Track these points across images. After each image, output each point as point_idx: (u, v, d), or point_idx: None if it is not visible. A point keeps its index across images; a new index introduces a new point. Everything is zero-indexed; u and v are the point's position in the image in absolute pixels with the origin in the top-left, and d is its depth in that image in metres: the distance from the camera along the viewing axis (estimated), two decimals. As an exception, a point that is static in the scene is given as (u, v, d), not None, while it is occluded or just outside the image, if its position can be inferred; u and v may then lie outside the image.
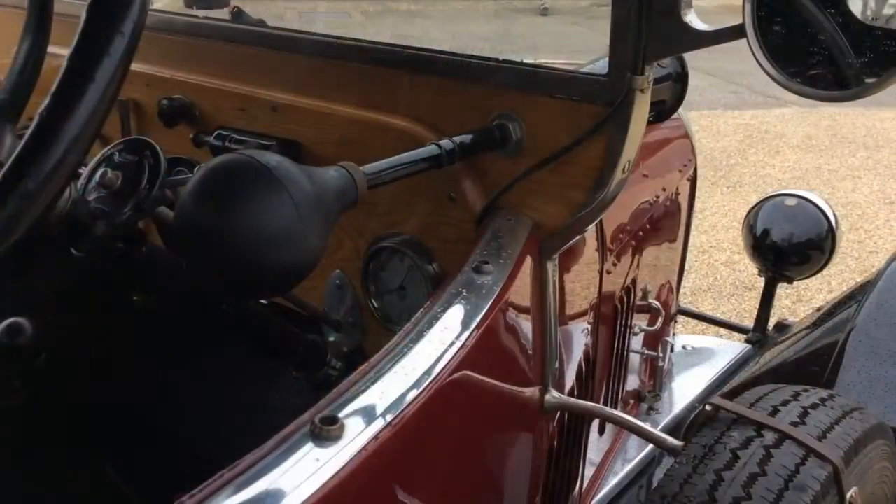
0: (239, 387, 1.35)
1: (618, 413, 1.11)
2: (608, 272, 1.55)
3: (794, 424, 0.98)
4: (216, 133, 1.22)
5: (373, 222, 1.16)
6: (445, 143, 0.97)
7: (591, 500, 1.72)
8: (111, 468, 1.37)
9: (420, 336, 0.79)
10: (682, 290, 4.58)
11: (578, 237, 1.38)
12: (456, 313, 0.84)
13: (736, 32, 0.83)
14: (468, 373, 0.83)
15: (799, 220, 2.37)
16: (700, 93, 7.77)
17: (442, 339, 0.79)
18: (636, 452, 1.87)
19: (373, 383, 0.71)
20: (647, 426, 1.07)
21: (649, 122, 1.36)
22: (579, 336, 1.42)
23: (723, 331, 2.88)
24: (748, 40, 0.81)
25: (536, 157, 1.02)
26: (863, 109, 7.45)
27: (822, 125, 6.92)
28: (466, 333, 0.82)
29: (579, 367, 1.41)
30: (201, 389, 1.26)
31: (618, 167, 0.97)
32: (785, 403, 1.03)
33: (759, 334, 2.41)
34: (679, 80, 1.25)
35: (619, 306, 1.67)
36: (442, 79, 1.08)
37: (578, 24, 10.99)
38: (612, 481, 1.81)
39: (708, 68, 8.70)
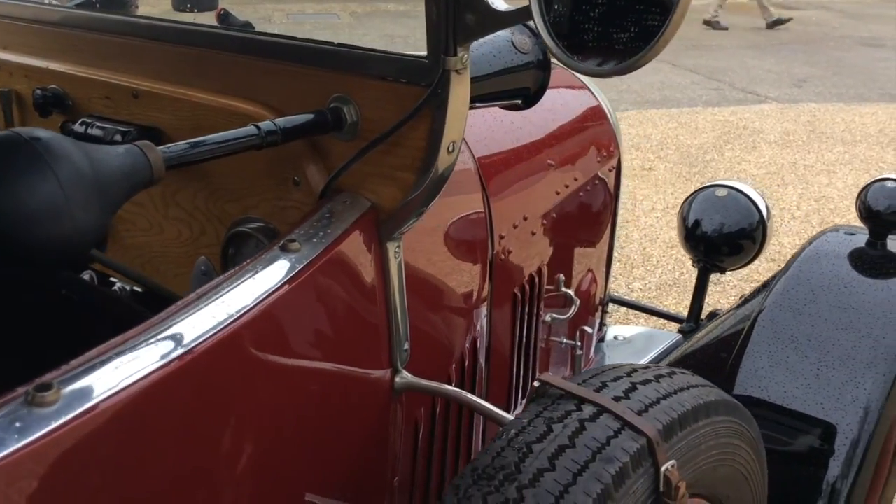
0: None
1: (457, 391, 1.12)
2: (501, 259, 1.57)
3: (617, 399, 0.99)
4: (80, 120, 1.24)
5: (230, 207, 1.18)
6: (266, 124, 0.99)
7: None
8: None
9: (193, 309, 0.80)
10: (646, 285, 4.61)
11: (451, 222, 1.39)
12: (243, 290, 0.85)
13: (528, 13, 0.85)
14: (252, 349, 0.84)
15: (730, 210, 2.38)
16: (681, 90, 7.78)
17: (215, 313, 0.81)
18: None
19: (118, 356, 0.73)
20: (482, 402, 1.09)
21: (518, 108, 1.39)
22: (463, 321, 1.43)
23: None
24: (534, 19, 0.83)
25: (371, 140, 1.03)
26: (843, 105, 7.45)
27: (801, 121, 6.92)
28: (247, 310, 0.83)
29: (463, 352, 1.42)
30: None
31: (441, 147, 0.99)
32: (616, 380, 1.04)
33: (692, 324, 2.43)
34: (541, 67, 1.26)
35: (519, 295, 1.68)
36: (286, 64, 1.10)
37: (566, 23, 10.98)
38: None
39: (691, 66, 8.71)
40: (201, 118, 1.16)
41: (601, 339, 2.38)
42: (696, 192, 2.47)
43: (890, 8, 12.41)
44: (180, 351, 0.76)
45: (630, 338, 2.41)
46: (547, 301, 1.90)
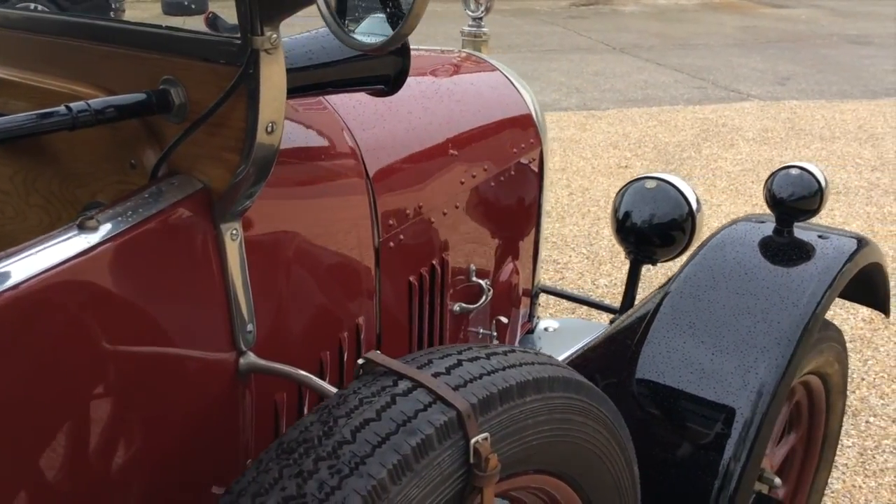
0: None
1: (305, 374, 1.13)
2: (390, 248, 1.57)
3: (437, 375, 1.00)
4: None
5: (80, 193, 1.20)
6: (78, 104, 1.00)
7: None
8: None
9: None
10: (612, 281, 4.60)
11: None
12: (26, 263, 0.87)
13: (321, -8, 0.86)
14: (25, 329, 0.85)
15: (659, 202, 2.39)
16: (664, 88, 7.78)
17: None
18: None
19: None
20: (322, 383, 1.09)
21: (383, 93, 1.39)
22: (339, 309, 1.43)
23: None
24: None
25: (193, 121, 1.05)
26: (825, 102, 7.45)
27: (781, 118, 6.92)
28: (17, 284, 0.84)
29: (341, 339, 1.43)
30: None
31: (259, 127, 1.00)
32: (444, 357, 1.05)
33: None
34: (400, 54, 1.27)
35: (416, 284, 1.69)
36: (121, 48, 1.12)
37: (555, 23, 11.03)
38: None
39: (675, 64, 8.71)
40: (53, 105, 1.17)
41: (531, 331, 2.38)
42: (627, 184, 2.48)
43: (883, 5, 12.39)
44: None
45: (559, 329, 2.41)
46: (459, 291, 1.90)
